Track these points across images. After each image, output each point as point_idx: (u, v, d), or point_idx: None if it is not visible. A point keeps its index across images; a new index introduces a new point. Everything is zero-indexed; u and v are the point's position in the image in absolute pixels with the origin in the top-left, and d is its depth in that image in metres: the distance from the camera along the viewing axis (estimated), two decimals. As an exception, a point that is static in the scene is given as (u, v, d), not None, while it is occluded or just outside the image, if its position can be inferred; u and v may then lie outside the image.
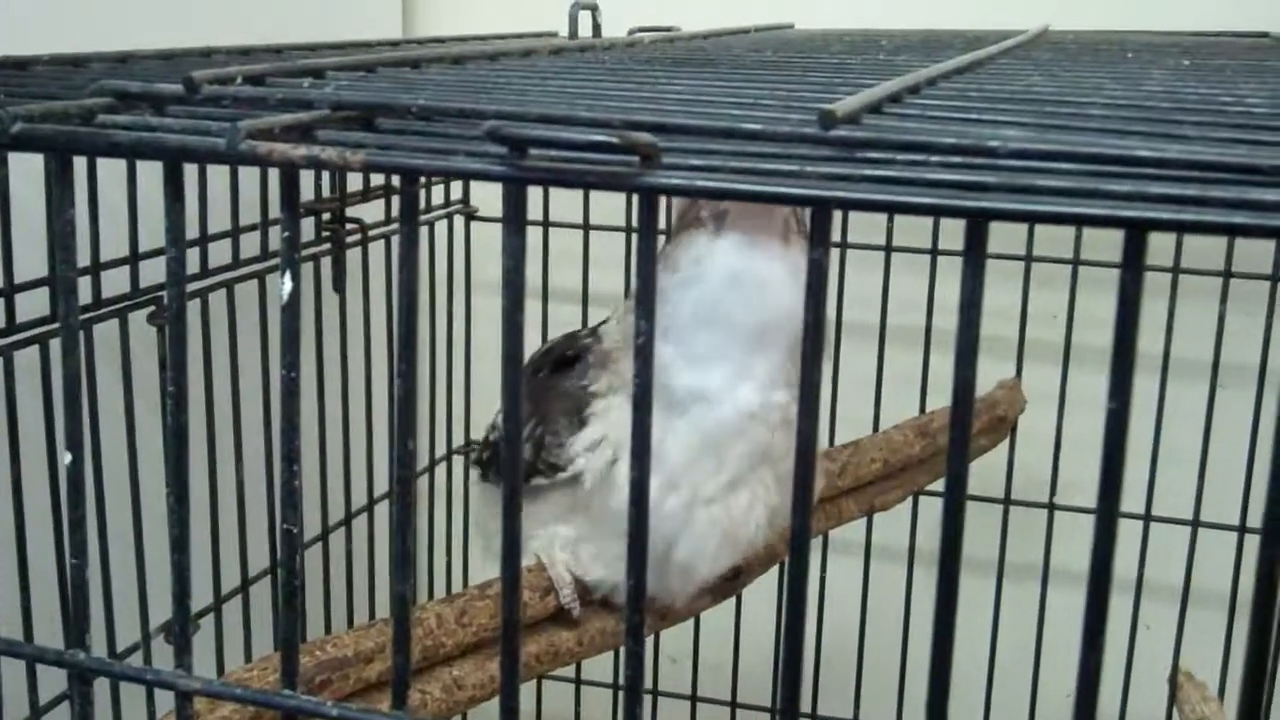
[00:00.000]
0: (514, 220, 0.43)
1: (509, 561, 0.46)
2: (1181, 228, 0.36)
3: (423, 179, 1.08)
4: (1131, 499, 1.25)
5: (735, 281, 0.79)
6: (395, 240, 1.28)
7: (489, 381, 1.37)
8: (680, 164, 0.42)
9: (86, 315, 0.92)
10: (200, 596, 1.05)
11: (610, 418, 0.86)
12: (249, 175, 1.05)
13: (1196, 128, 0.48)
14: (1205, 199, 0.37)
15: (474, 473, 1.05)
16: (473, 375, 1.40)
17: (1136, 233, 0.37)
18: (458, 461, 1.43)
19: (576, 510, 0.89)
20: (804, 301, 0.57)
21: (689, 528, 0.85)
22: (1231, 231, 0.35)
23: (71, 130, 0.48)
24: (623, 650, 0.46)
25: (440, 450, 1.42)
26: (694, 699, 1.39)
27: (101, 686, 0.92)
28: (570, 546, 0.90)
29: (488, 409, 1.37)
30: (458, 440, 1.43)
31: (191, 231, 1.00)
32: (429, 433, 1.40)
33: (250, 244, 1.07)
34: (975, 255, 0.39)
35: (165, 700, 0.93)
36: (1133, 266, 0.38)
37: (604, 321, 0.92)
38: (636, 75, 0.71)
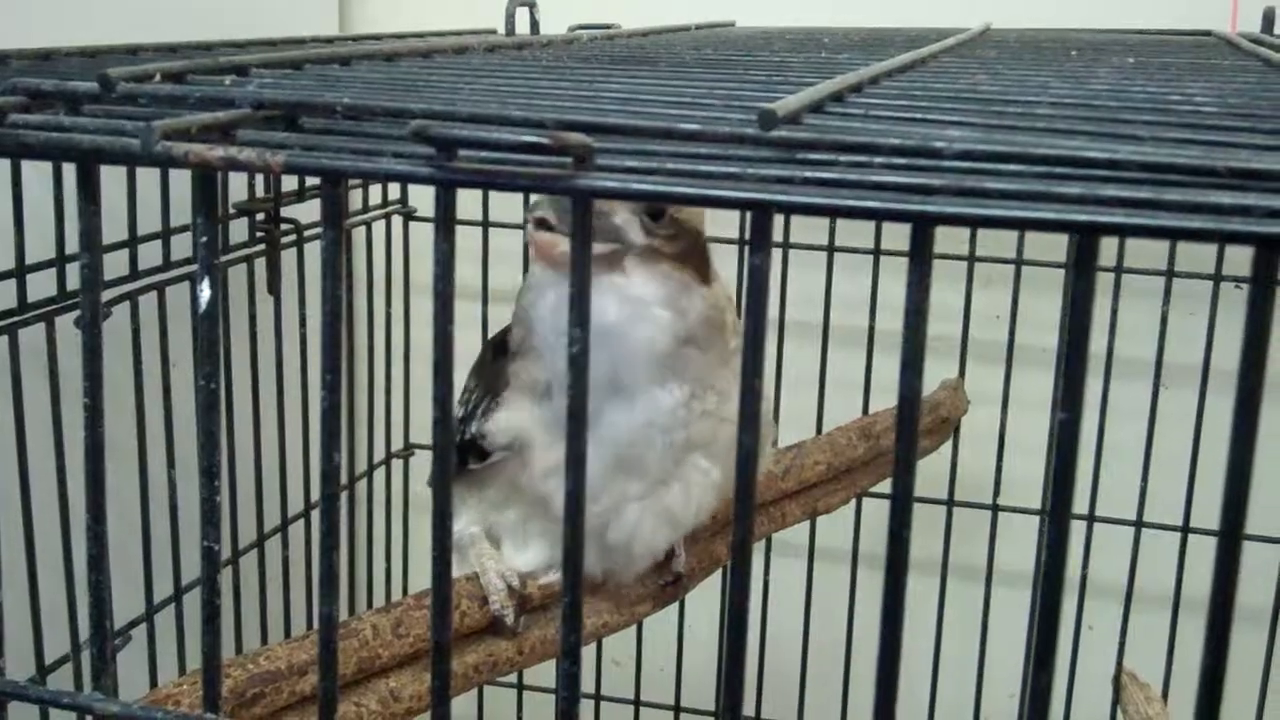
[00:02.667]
0: (443, 223, 0.41)
1: (439, 582, 0.44)
2: (1135, 232, 0.34)
3: (352, 180, 1.06)
4: (1075, 499, 1.25)
5: (559, 307, 0.78)
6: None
7: (429, 384, 1.35)
8: (615, 165, 0.41)
9: (10, 320, 0.90)
10: (133, 605, 1.03)
11: (513, 407, 0.87)
12: (180, 175, 1.02)
13: (1146, 127, 0.47)
14: (1159, 202, 0.35)
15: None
16: (412, 378, 1.38)
17: (1088, 237, 0.36)
18: (397, 466, 1.41)
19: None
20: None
21: (618, 519, 0.87)
22: (1187, 236, 0.34)
23: (-21, 129, 0.46)
24: (558, 669, 0.44)
25: (380, 454, 1.40)
26: (637, 703, 1.38)
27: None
28: (517, 531, 0.91)
29: (428, 412, 1.35)
30: (397, 444, 1.41)
31: (121, 233, 0.98)
32: (368, 437, 1.38)
33: (182, 246, 1.04)
34: (921, 260, 0.38)
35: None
36: (1084, 271, 0.36)
37: None
38: (573, 74, 0.69)
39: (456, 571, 0.94)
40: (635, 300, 0.81)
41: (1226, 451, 0.37)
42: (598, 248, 0.78)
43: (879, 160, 0.41)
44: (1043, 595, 0.39)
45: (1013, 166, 0.40)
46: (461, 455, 0.93)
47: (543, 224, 0.78)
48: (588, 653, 1.32)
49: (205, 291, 0.44)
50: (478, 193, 1.29)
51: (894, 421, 1.23)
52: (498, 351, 0.91)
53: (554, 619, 0.91)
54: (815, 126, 0.46)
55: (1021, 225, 0.37)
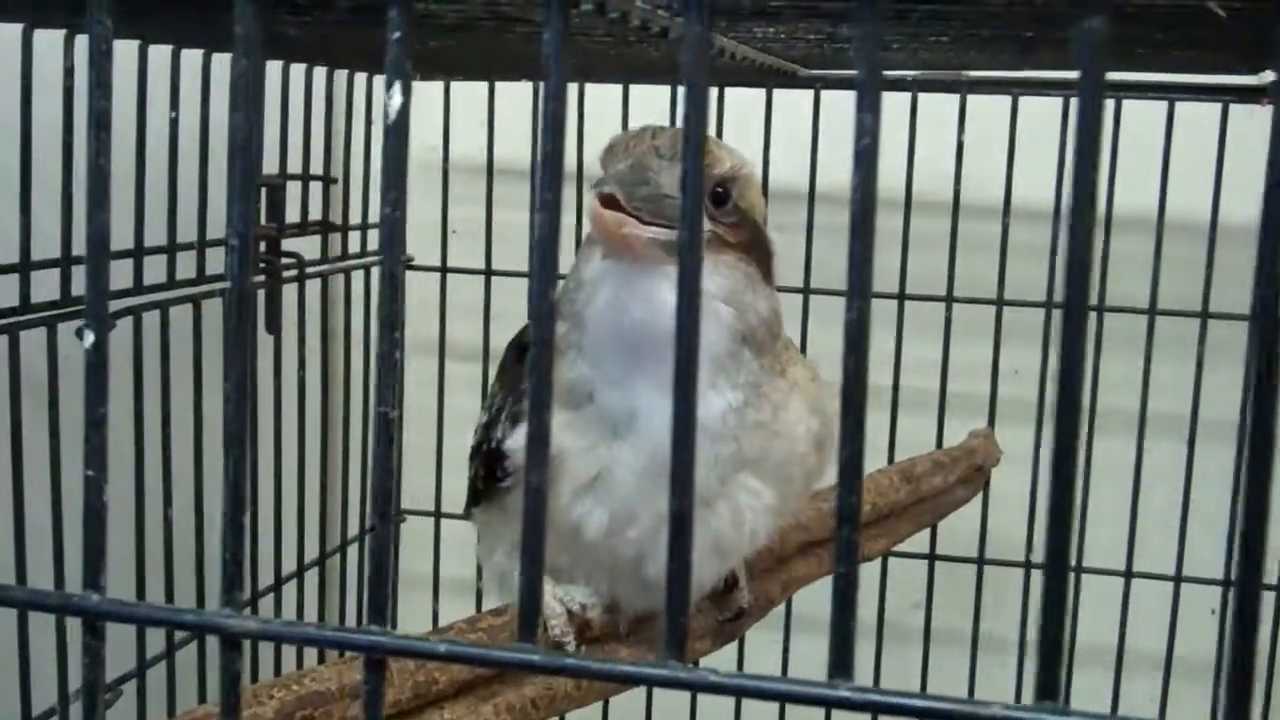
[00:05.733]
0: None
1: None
2: None
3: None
4: (1113, 557, 1.21)
5: (618, 301, 0.75)
6: (332, 280, 1.20)
7: (425, 446, 1.26)
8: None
9: (56, 311, 0.85)
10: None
11: None
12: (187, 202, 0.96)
13: None
14: None
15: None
16: (407, 440, 1.29)
17: None
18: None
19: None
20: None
21: (656, 549, 0.77)
22: None
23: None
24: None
25: (354, 530, 1.30)
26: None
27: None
28: (553, 565, 0.82)
29: (422, 478, 1.26)
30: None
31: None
32: (341, 510, 1.28)
33: (185, 265, 0.98)
34: None
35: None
36: None
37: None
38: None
39: (506, 599, 0.86)
40: None
41: None
42: (659, 232, 0.72)
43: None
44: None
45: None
46: (480, 475, 0.85)
47: (610, 202, 0.71)
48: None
49: (397, 98, 0.37)
50: (480, 240, 1.23)
51: (932, 465, 1.16)
52: (520, 355, 0.84)
53: (615, 652, 0.83)
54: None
55: None
